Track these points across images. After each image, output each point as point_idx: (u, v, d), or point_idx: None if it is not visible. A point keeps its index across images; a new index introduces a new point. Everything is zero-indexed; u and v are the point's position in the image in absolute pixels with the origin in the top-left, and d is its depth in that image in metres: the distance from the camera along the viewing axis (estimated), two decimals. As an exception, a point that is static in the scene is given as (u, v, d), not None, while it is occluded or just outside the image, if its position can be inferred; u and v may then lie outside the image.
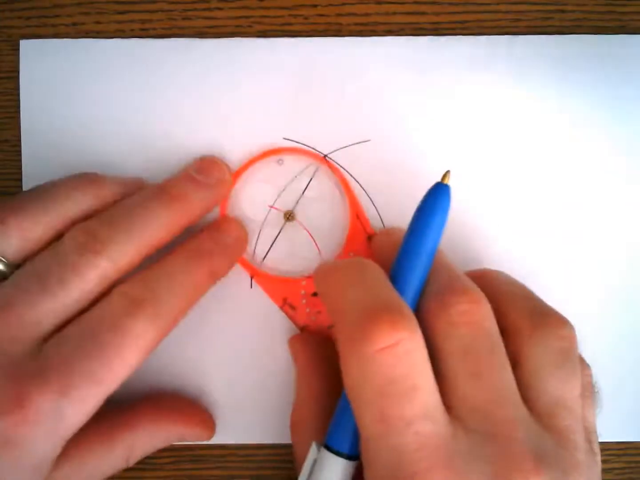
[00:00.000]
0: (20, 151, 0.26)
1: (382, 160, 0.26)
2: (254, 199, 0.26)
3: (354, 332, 0.19)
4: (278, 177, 0.26)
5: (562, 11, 0.27)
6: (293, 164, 0.26)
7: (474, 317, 0.20)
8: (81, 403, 0.20)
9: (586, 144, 0.26)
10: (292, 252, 0.25)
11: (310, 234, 0.26)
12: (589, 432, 0.21)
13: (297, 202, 0.26)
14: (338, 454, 0.20)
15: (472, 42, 0.26)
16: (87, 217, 0.23)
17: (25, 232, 0.22)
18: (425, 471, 0.18)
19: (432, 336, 0.20)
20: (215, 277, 0.24)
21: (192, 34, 0.26)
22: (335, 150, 0.26)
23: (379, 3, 0.26)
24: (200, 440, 0.26)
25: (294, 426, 0.24)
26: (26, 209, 0.22)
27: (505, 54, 0.26)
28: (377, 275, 0.20)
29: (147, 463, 0.27)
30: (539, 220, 0.26)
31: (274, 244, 0.26)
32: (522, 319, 0.21)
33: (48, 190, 0.23)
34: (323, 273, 0.22)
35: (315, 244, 0.26)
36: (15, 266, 0.22)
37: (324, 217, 0.26)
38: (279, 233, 0.26)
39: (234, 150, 0.26)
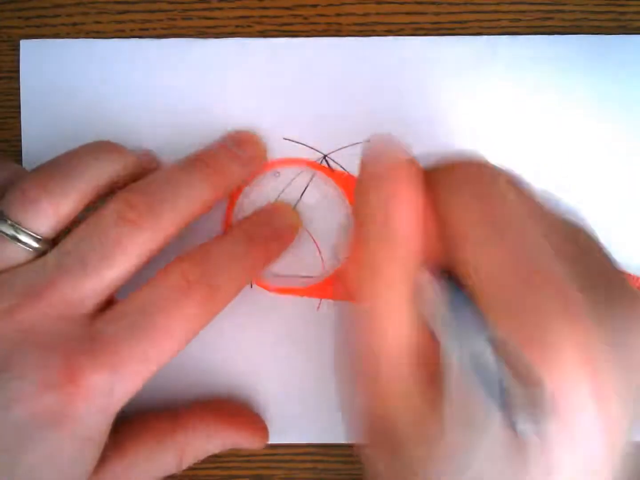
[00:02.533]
0: (20, 151, 0.26)
1: (382, 160, 0.26)
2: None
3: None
4: (277, 189, 0.26)
5: (562, 11, 0.27)
6: (290, 174, 0.26)
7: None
8: (130, 380, 0.20)
9: (586, 144, 0.26)
10: (294, 254, 0.25)
11: (312, 238, 0.26)
12: None
13: (294, 206, 0.26)
14: None
15: (472, 42, 0.26)
16: (114, 184, 0.22)
17: (59, 207, 0.21)
18: None
19: None
20: (267, 264, 0.24)
21: (192, 34, 0.26)
22: (335, 150, 0.26)
23: (379, 3, 0.26)
24: (253, 447, 0.25)
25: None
26: (55, 184, 0.21)
27: (505, 54, 0.26)
28: None
29: (147, 463, 0.27)
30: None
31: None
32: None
33: (71, 161, 0.22)
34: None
35: (317, 248, 0.26)
36: (51, 241, 0.21)
37: (325, 222, 0.26)
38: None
39: (234, 150, 0.26)
